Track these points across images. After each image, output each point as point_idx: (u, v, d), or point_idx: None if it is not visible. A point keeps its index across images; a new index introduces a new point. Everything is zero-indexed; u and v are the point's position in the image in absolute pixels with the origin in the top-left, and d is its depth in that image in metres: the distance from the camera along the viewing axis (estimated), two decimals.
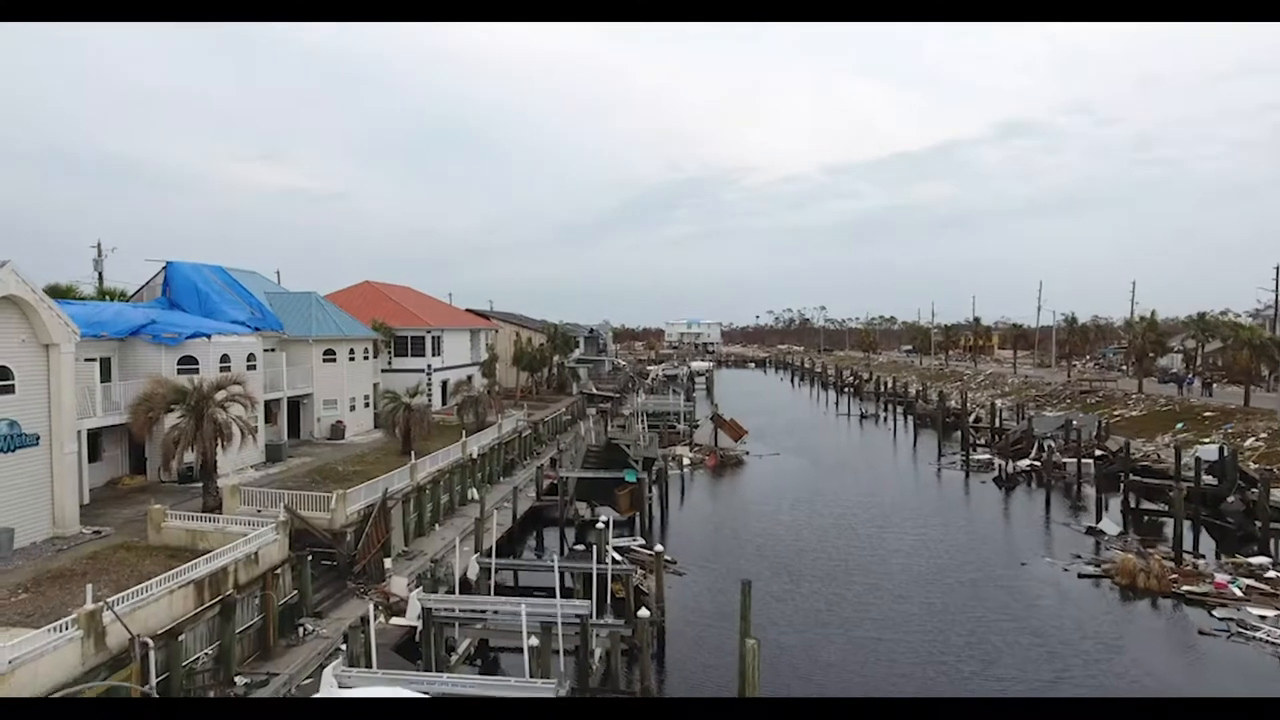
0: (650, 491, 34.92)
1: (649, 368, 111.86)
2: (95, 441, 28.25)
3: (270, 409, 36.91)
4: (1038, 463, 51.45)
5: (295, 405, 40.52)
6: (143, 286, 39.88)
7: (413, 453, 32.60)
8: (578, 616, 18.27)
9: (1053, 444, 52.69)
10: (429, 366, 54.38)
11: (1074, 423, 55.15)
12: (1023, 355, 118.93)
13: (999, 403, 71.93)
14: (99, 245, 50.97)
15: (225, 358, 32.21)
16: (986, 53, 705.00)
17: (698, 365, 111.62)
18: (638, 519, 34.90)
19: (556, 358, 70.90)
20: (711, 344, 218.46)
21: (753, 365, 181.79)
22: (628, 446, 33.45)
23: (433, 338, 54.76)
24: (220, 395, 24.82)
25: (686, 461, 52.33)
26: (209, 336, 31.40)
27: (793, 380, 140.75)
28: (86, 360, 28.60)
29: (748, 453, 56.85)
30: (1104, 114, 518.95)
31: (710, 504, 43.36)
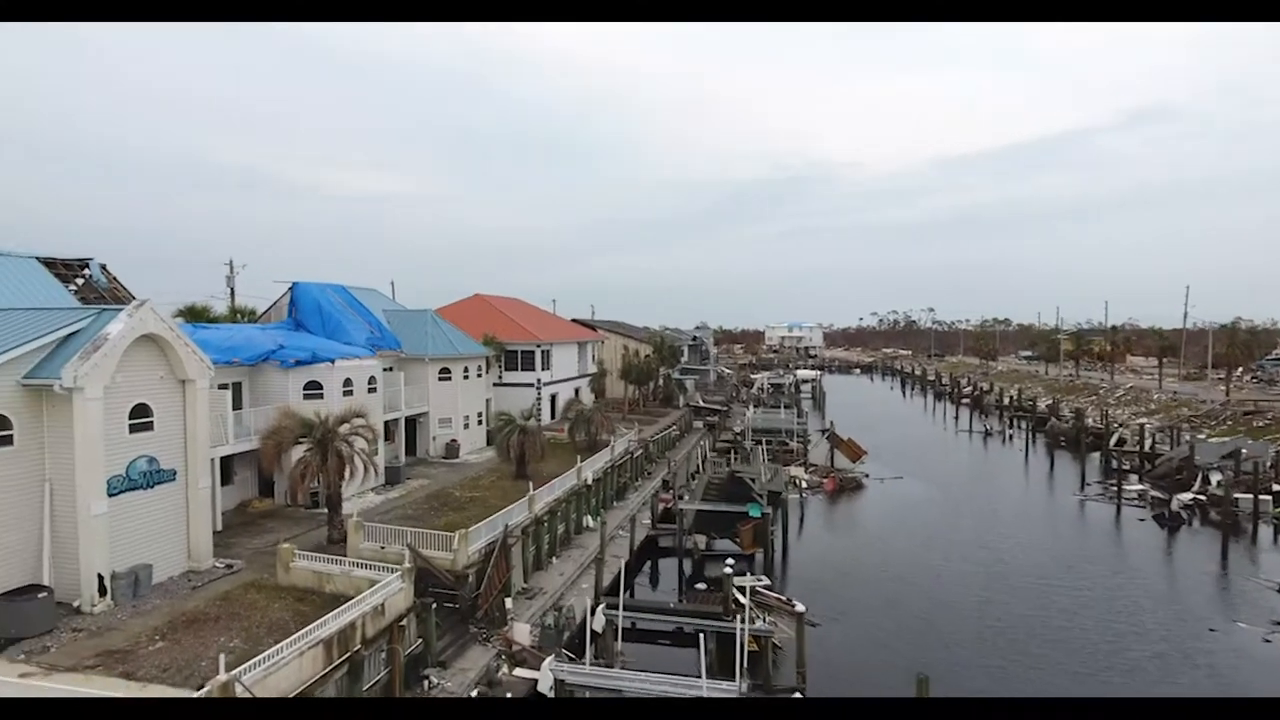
0: (773, 526, 32.84)
1: (753, 375, 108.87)
2: (227, 466, 28.65)
3: (388, 428, 37.01)
4: (1201, 496, 46.10)
5: (411, 424, 40.63)
6: (270, 307, 40.94)
7: (529, 479, 31.77)
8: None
9: (1220, 476, 47.13)
10: (539, 381, 53.95)
11: (1243, 451, 49.22)
12: (1156, 364, 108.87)
13: (1146, 423, 65.49)
14: (230, 263, 53.14)
15: (348, 381, 32.28)
16: (1115, 37, 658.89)
17: (804, 373, 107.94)
18: (760, 555, 32.92)
19: (663, 369, 69.47)
20: (813, 348, 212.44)
21: (858, 371, 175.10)
22: (752, 480, 31.40)
23: (542, 352, 54.31)
24: (344, 429, 24.51)
25: (803, 484, 49.78)
26: (333, 362, 31.49)
27: (903, 389, 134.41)
28: (219, 387, 29.14)
29: (867, 475, 53.67)
30: (1254, 94, 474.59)
31: (832, 536, 40.74)
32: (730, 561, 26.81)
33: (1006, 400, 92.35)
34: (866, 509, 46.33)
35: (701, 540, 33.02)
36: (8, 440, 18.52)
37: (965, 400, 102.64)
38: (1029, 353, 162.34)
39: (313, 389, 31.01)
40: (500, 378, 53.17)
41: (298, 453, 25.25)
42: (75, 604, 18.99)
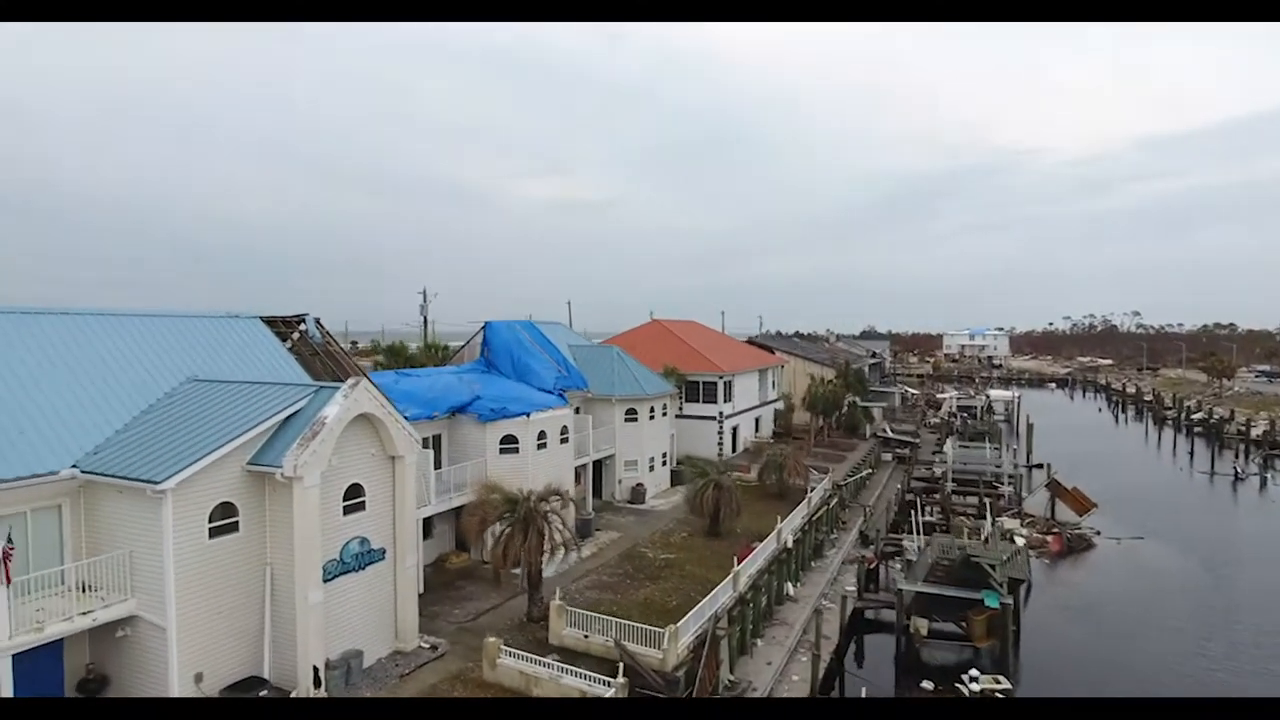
0: (1014, 619, 28.20)
1: (939, 395, 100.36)
2: (426, 521, 28.32)
3: (576, 474, 35.88)
4: None
5: (597, 466, 39.39)
6: (463, 346, 41.17)
7: (722, 537, 29.27)
8: None
9: None
10: (720, 414, 51.42)
11: None
12: None
13: None
14: (424, 292, 54.95)
15: (542, 434, 31.23)
16: None
17: (998, 394, 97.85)
18: (994, 646, 28.37)
19: (848, 396, 64.77)
20: (998, 357, 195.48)
21: (1053, 386, 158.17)
22: (992, 566, 26.98)
23: (724, 383, 51.71)
24: (545, 507, 23.07)
25: (1020, 542, 43.74)
26: (528, 415, 30.49)
27: (1112, 409, 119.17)
28: (420, 439, 28.87)
29: (1098, 533, 46.49)
30: None
31: (1072, 619, 34.83)
32: (974, 673, 22.81)
33: (1258, 433, 78.77)
34: (1106, 581, 39.73)
35: (923, 625, 28.98)
36: (234, 527, 18.32)
37: (1196, 429, 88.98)
38: (1265, 367, 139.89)
39: (508, 443, 30.18)
40: (680, 409, 51.19)
41: (497, 523, 24.15)
42: (291, 695, 18.55)
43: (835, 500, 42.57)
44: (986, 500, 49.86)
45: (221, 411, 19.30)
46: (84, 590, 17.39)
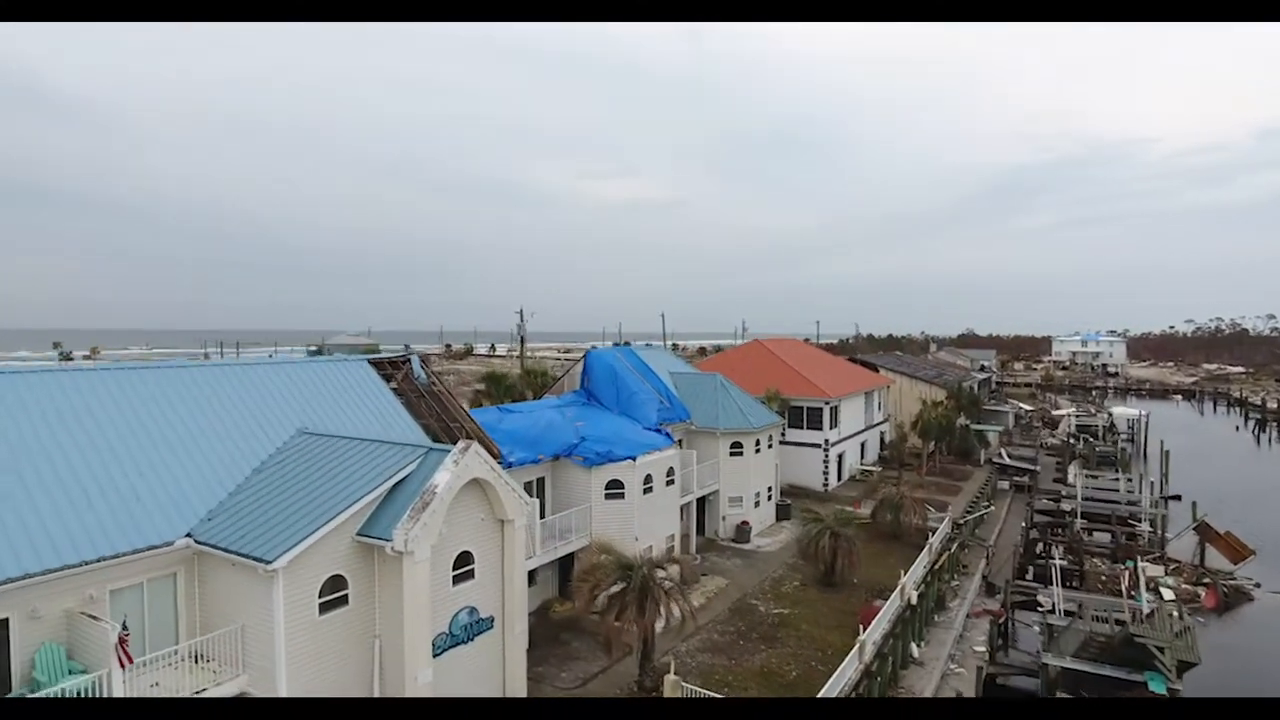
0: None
1: (1055, 411, 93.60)
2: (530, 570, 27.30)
3: (680, 512, 34.28)
4: None
5: (700, 501, 37.65)
6: (563, 375, 40.21)
7: (836, 586, 27.04)
8: None
9: None
10: (827, 442, 48.81)
11: None
12: None
13: None
14: (520, 312, 54.53)
15: (648, 478, 29.76)
16: None
17: (1121, 411, 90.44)
18: None
19: (960, 419, 60.77)
20: (1114, 365, 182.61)
21: (1178, 398, 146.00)
22: (1160, 649, 23.77)
23: (830, 409, 49.04)
24: (662, 574, 21.51)
25: (1168, 595, 39.39)
26: (634, 459, 29.04)
27: (1252, 427, 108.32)
28: (525, 483, 27.89)
29: (1256, 584, 41.53)
30: None
31: (1246, 689, 30.85)
32: None
33: None
34: (1272, 641, 35.18)
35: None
36: (343, 600, 17.53)
37: None
38: None
39: (614, 487, 28.84)
40: (783, 435, 48.89)
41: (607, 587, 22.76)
42: None
43: (957, 543, 39.42)
44: (1123, 540, 45.58)
45: (331, 476, 18.60)
46: (197, 661, 16.94)
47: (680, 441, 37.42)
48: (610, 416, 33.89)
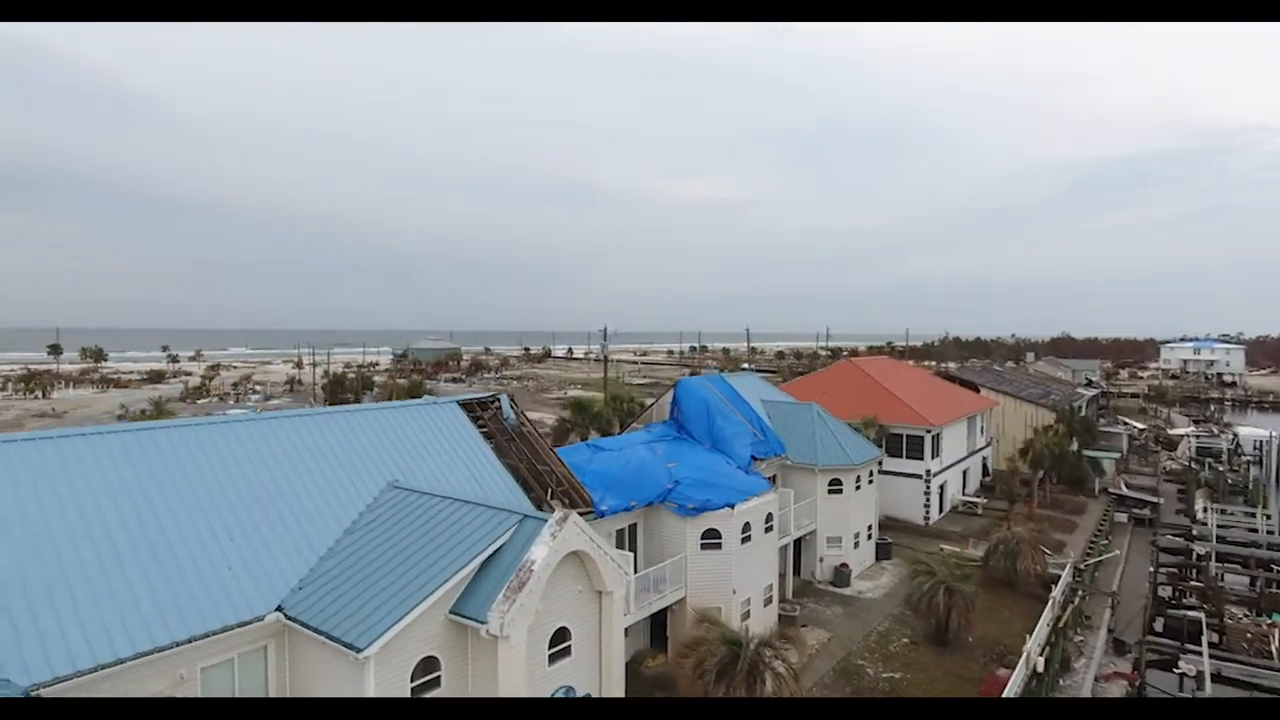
0: None
1: (1172, 432, 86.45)
2: None
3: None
4: None
5: (796, 541, 35.53)
6: (652, 404, 38.74)
7: (949, 646, 24.56)
8: None
9: None
10: (928, 473, 45.79)
11: None
12: None
13: None
14: (605, 330, 53.37)
15: (746, 525, 27.90)
16: None
17: (1248, 431, 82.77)
18: None
19: (1072, 445, 56.38)
20: (1231, 374, 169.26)
21: None
22: None
23: (932, 437, 45.99)
24: (770, 653, 19.70)
25: None
26: (732, 507, 27.22)
27: None
28: (617, 531, 26.57)
29: None
30: None
31: None
32: None
33: None
34: None
35: None
36: (435, 683, 16.43)
37: None
38: None
39: (711, 537, 27.11)
40: (880, 464, 46.13)
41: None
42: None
43: (1080, 594, 36.01)
44: (1268, 588, 40.93)
45: (423, 544, 17.57)
46: None
47: (774, 477, 35.43)
48: (702, 453, 32.17)
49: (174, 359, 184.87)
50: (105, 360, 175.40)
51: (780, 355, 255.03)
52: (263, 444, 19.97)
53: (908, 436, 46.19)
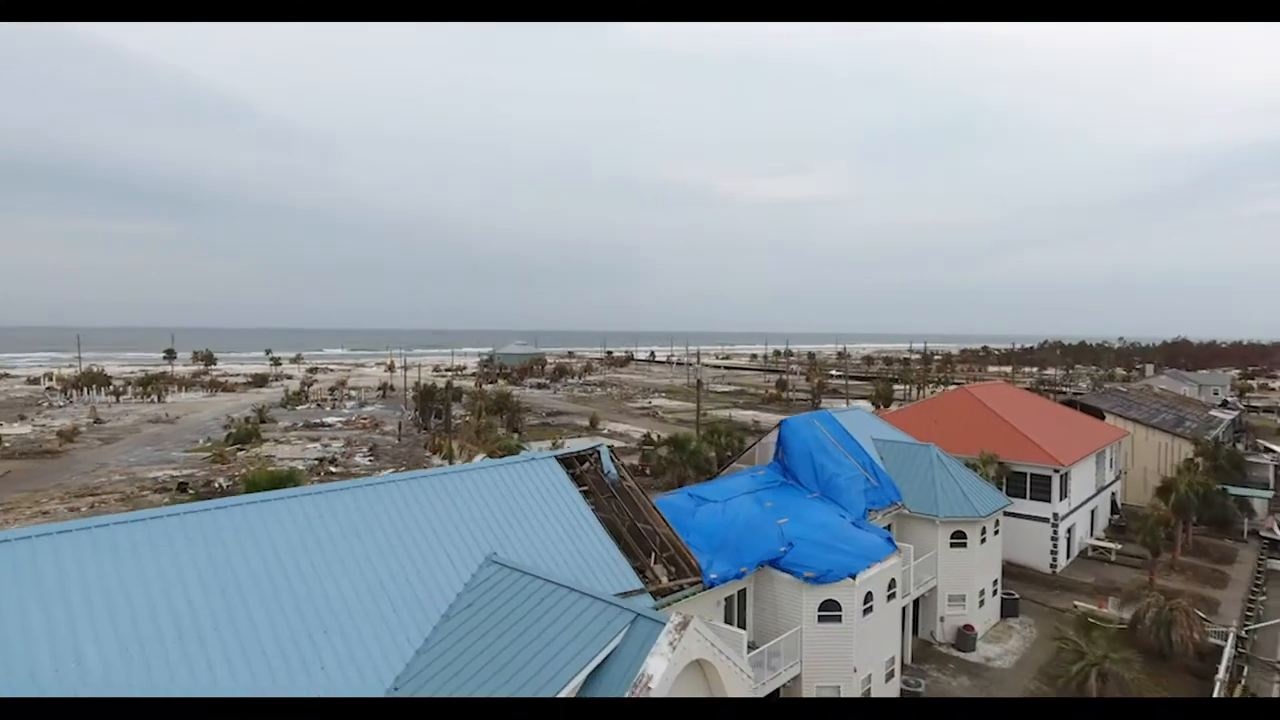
0: None
1: None
2: None
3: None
4: None
5: (915, 602, 32.49)
6: (754, 444, 36.36)
7: None
8: None
9: None
10: (1055, 516, 41.69)
11: None
12: None
13: None
14: (697, 355, 50.94)
15: (869, 595, 25.25)
16: None
17: None
18: None
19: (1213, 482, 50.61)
20: None
21: None
22: None
23: (1060, 476, 41.85)
24: None
25: None
26: (854, 577, 24.62)
27: None
28: (725, 599, 24.43)
29: None
30: None
31: None
32: None
33: None
34: None
35: None
36: None
37: None
38: None
39: (829, 608, 24.61)
40: None
41: None
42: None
43: (1246, 671, 31.62)
44: None
45: (525, 642, 15.87)
46: None
47: (889, 528, 32.51)
48: (814, 505, 29.64)
49: (275, 362, 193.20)
50: (214, 364, 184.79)
51: (869, 360, 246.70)
52: (356, 515, 18.75)
53: (1033, 476, 42.19)
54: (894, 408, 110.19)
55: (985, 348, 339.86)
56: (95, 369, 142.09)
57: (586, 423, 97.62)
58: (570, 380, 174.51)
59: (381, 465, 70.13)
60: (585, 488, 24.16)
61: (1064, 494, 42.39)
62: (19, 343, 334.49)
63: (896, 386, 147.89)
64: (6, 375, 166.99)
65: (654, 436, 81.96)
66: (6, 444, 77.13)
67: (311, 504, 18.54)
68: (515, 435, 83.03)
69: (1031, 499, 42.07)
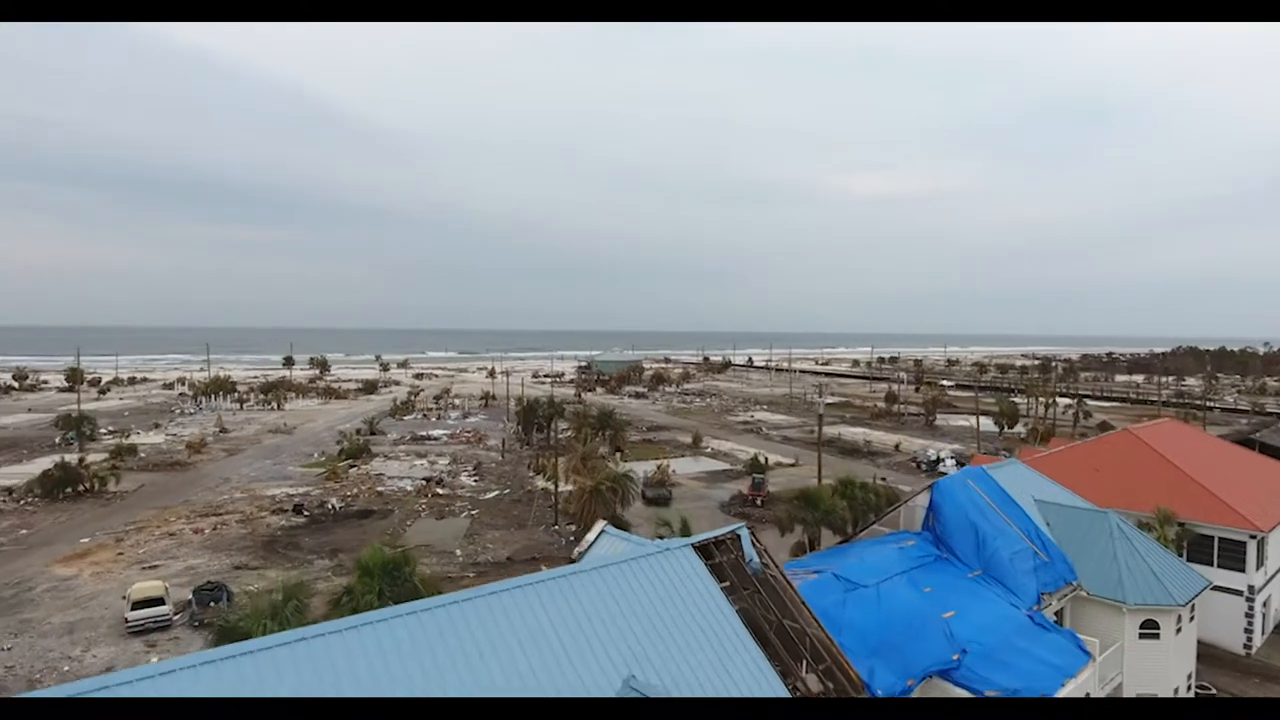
0: None
1: None
2: None
3: None
4: None
5: None
6: (899, 504, 32.61)
7: None
8: None
9: None
10: (1251, 589, 35.88)
11: None
12: None
13: None
14: (820, 388, 47.35)
15: None
16: None
17: None
18: None
19: None
20: None
21: None
22: None
23: (1256, 542, 35.99)
24: None
25: None
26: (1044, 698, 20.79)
27: None
28: None
29: None
30: None
31: None
32: None
33: None
34: None
35: None
36: None
37: None
38: None
39: None
40: None
41: None
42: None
43: None
44: None
45: None
46: None
47: (1060, 613, 28.23)
48: (978, 592, 25.83)
49: (384, 367, 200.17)
50: (328, 370, 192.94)
51: (981, 368, 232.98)
52: (479, 632, 16.58)
53: (1222, 541, 36.47)
54: (1019, 428, 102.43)
55: (1110, 354, 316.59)
56: (222, 375, 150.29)
57: (689, 439, 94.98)
58: (668, 389, 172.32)
59: (486, 485, 69.68)
60: (726, 582, 21.38)
61: (1260, 562, 36.45)
62: (159, 344, 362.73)
63: (1016, 399, 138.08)
64: (146, 379, 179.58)
65: (762, 459, 78.60)
66: (142, 454, 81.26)
67: (431, 620, 16.48)
68: (618, 455, 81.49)
69: (1220, 567, 36.35)
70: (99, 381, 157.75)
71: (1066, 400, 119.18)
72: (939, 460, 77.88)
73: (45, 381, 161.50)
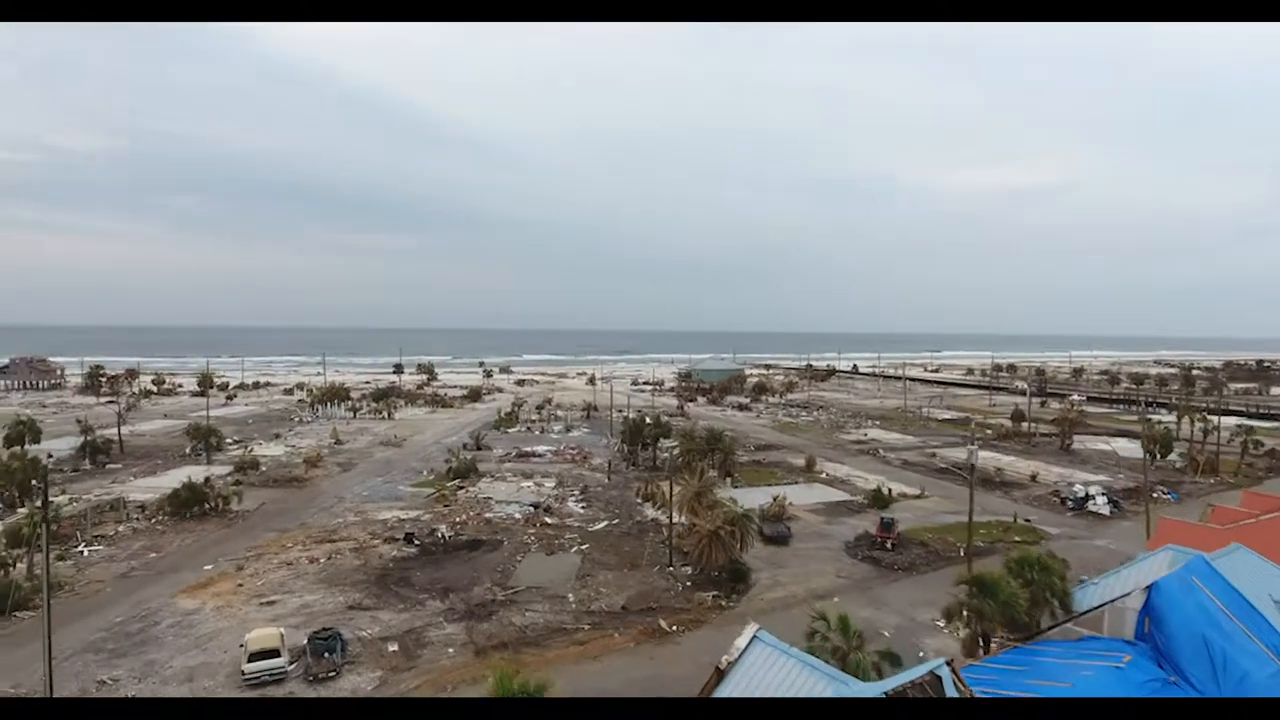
0: None
1: None
2: None
3: None
4: None
5: None
6: (1102, 605, 27.25)
7: None
8: None
9: None
10: None
11: None
12: None
13: None
14: (973, 449, 42.06)
15: None
16: None
17: None
18: None
19: None
20: None
21: None
22: None
23: None
24: None
25: None
26: None
27: None
28: None
29: None
30: None
31: None
32: None
33: None
34: None
35: None
36: None
37: None
38: None
39: None
40: None
41: None
42: None
43: None
44: None
45: None
46: None
47: None
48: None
49: (488, 374, 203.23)
50: (435, 378, 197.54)
51: (1111, 378, 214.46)
52: None
53: None
54: (1174, 457, 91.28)
55: (1262, 362, 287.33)
56: (336, 383, 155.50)
57: (800, 461, 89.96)
58: (771, 399, 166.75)
59: (595, 514, 67.28)
60: None
61: None
62: (277, 346, 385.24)
63: (1158, 417, 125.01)
64: (269, 383, 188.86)
65: (885, 490, 72.83)
66: (263, 468, 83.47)
67: None
68: (728, 480, 77.60)
69: None
70: (226, 386, 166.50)
71: (1223, 419, 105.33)
72: (1089, 498, 69.90)
73: (180, 385, 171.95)
